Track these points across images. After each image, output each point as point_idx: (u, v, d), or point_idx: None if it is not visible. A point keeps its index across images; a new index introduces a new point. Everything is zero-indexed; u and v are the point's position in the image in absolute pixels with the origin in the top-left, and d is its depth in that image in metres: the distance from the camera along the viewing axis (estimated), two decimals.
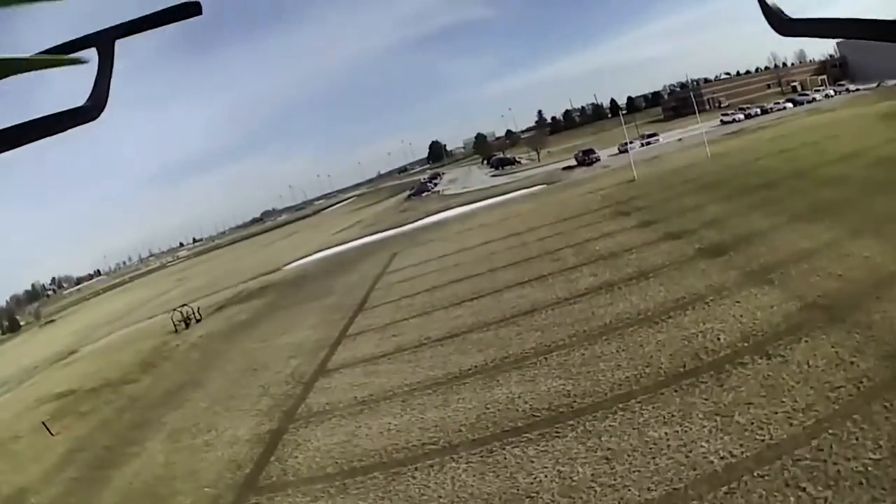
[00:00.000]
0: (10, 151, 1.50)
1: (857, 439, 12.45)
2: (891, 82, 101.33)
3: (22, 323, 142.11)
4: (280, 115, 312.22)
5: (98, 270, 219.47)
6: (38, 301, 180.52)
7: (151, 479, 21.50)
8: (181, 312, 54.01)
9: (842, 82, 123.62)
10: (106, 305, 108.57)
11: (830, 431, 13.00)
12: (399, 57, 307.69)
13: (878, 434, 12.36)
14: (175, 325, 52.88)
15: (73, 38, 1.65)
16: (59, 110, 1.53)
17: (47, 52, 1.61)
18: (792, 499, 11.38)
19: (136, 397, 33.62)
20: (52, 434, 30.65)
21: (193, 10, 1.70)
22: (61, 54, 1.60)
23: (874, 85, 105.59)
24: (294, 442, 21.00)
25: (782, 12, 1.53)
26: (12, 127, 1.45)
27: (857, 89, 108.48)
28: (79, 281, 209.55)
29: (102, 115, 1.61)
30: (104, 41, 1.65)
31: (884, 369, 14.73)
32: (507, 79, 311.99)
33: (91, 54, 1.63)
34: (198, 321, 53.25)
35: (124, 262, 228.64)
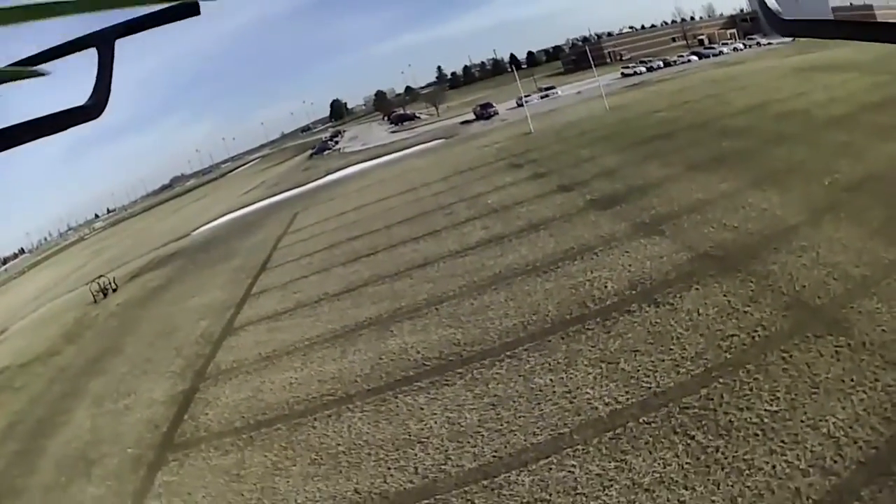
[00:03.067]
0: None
1: (751, 390, 12.89)
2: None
3: None
4: (183, 80, 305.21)
5: (22, 249, 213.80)
6: None
7: (82, 445, 22.05)
8: (98, 283, 53.94)
9: (752, 36, 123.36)
10: (31, 283, 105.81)
11: (721, 381, 13.50)
12: (296, 15, 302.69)
13: (774, 385, 12.77)
14: (94, 296, 52.80)
15: (73, 37, 1.69)
16: (60, 109, 1.57)
17: (46, 52, 1.66)
18: (680, 446, 11.92)
19: (62, 368, 33.91)
20: None
21: (192, 9, 1.73)
22: (60, 55, 1.66)
23: (788, 39, 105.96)
24: (205, 400, 21.85)
25: (780, 13, 1.57)
26: (14, 126, 1.49)
27: (770, 43, 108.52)
28: (5, 261, 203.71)
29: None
30: (104, 40, 1.69)
31: (781, 319, 15.30)
32: (406, 36, 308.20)
33: (59, 64, 1.64)
34: (114, 290, 53.24)
35: (45, 238, 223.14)
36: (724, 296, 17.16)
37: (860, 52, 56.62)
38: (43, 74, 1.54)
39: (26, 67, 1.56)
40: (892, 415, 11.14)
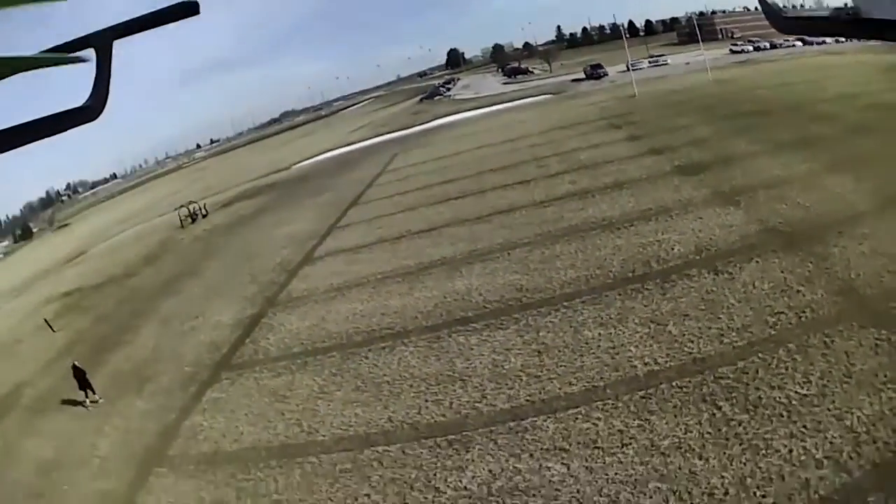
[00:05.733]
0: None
1: (786, 369, 12.72)
2: None
3: (35, 230, 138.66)
4: (302, 18, 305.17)
5: (114, 174, 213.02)
6: (52, 207, 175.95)
7: (139, 362, 23.15)
8: (188, 209, 55.17)
9: None
10: (119, 207, 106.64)
11: (760, 356, 13.38)
12: None
13: (809, 368, 12.54)
14: (182, 221, 54.09)
15: (72, 38, 1.69)
16: (59, 110, 1.60)
17: (47, 51, 1.64)
18: (705, 415, 11.93)
19: (136, 289, 35.19)
20: (53, 331, 31.80)
21: (191, 10, 1.74)
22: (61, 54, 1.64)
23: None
24: (269, 325, 22.76)
25: (782, 11, 1.66)
26: (14, 127, 1.52)
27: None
28: (94, 185, 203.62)
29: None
30: (103, 41, 1.69)
31: (831, 304, 14.98)
32: None
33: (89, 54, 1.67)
34: (204, 216, 54.45)
35: (141, 165, 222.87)
36: (782, 272, 16.95)
37: None
38: (83, 61, 1.59)
39: (66, 54, 1.62)
40: None
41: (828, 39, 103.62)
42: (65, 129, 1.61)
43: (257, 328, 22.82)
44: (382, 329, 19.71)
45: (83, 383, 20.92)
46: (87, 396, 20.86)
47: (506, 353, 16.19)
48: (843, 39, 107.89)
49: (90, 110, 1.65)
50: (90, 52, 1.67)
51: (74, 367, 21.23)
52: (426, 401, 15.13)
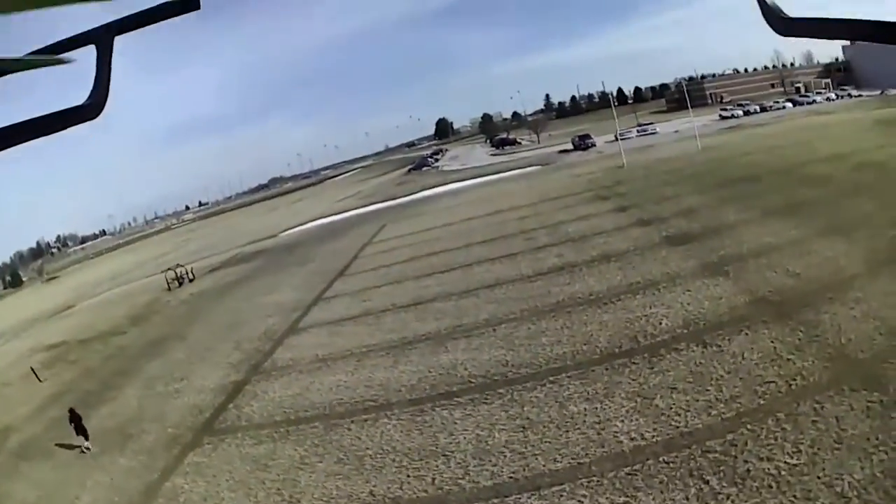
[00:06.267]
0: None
1: (775, 439, 12.65)
2: (894, 91, 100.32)
3: (24, 279, 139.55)
4: (291, 82, 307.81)
5: (103, 230, 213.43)
6: (41, 258, 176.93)
7: (123, 420, 23.23)
8: (175, 272, 55.31)
9: (845, 87, 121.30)
10: (108, 264, 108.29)
11: (749, 427, 13.29)
12: (412, 30, 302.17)
13: (799, 437, 12.48)
14: (168, 284, 54.14)
15: (72, 34, 1.65)
16: (59, 109, 1.57)
17: (45, 48, 1.63)
18: (693, 490, 11.82)
19: (122, 347, 35.32)
20: (39, 380, 32.25)
21: (192, 4, 1.72)
22: (59, 51, 1.62)
23: (877, 92, 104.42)
24: (253, 392, 22.67)
25: (781, 11, 1.57)
26: (13, 125, 1.48)
27: (860, 95, 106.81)
28: (84, 240, 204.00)
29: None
30: (103, 37, 1.66)
31: (821, 370, 14.93)
32: (518, 60, 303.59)
33: (81, 53, 1.63)
34: (191, 280, 54.36)
35: (129, 223, 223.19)
36: (772, 342, 16.87)
37: None
38: (67, 62, 1.53)
39: (50, 56, 1.57)
40: None
41: (818, 98, 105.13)
42: (64, 128, 1.57)
43: (241, 395, 22.83)
44: (366, 401, 19.68)
45: (79, 428, 21.29)
46: (85, 440, 21.22)
47: (490, 429, 16.10)
48: (834, 97, 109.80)
49: (91, 108, 1.61)
50: (78, 53, 1.62)
51: (71, 412, 21.65)
52: (408, 476, 15.01)
